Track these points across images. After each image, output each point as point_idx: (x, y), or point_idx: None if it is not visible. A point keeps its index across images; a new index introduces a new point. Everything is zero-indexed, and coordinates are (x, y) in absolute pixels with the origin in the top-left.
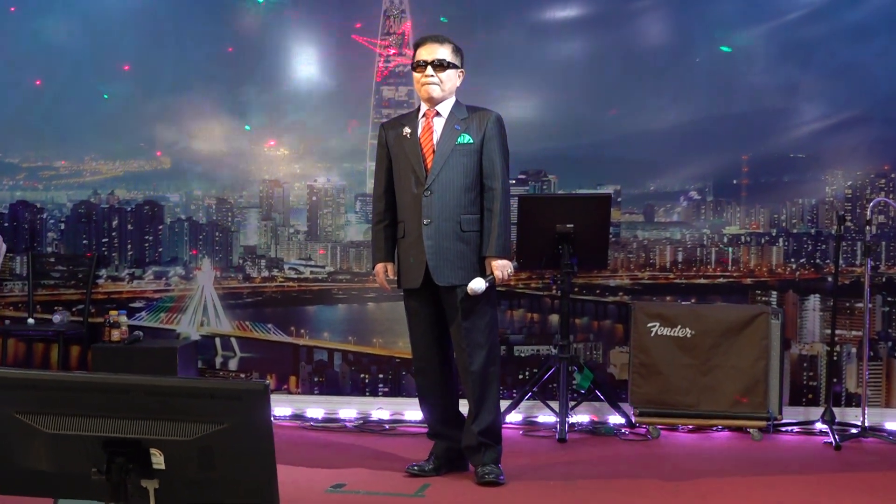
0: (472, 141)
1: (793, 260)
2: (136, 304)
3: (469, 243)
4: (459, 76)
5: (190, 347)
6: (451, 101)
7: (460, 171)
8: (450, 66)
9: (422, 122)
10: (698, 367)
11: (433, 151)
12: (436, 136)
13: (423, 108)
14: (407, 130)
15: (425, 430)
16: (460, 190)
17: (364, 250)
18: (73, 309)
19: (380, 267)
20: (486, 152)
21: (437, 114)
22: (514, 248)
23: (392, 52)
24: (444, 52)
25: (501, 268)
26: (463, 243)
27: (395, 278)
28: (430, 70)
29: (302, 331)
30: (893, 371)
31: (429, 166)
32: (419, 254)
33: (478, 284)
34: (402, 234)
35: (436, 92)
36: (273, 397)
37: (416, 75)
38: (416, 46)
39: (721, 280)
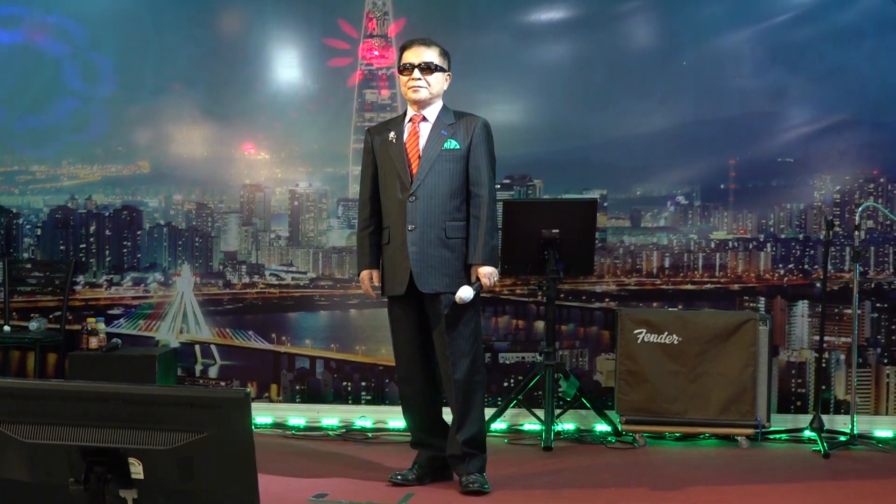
0: (458, 147)
1: (781, 265)
2: (115, 311)
3: (454, 250)
4: (447, 79)
5: (169, 355)
6: (438, 105)
7: (446, 176)
8: (437, 69)
9: (408, 127)
10: (685, 375)
11: (419, 157)
12: (422, 142)
13: (410, 112)
14: (392, 135)
15: (409, 438)
16: (446, 196)
17: (346, 256)
18: (50, 316)
19: (365, 274)
20: (472, 158)
21: (424, 119)
22: (499, 254)
23: (375, 53)
24: (431, 54)
25: (488, 275)
26: (448, 250)
27: (381, 285)
28: (416, 73)
29: (283, 338)
30: (882, 378)
31: (414, 171)
32: (403, 260)
33: (466, 293)
34: (386, 241)
35: (423, 94)
36: (254, 406)
37: (402, 78)
38: (403, 49)
39: (708, 286)
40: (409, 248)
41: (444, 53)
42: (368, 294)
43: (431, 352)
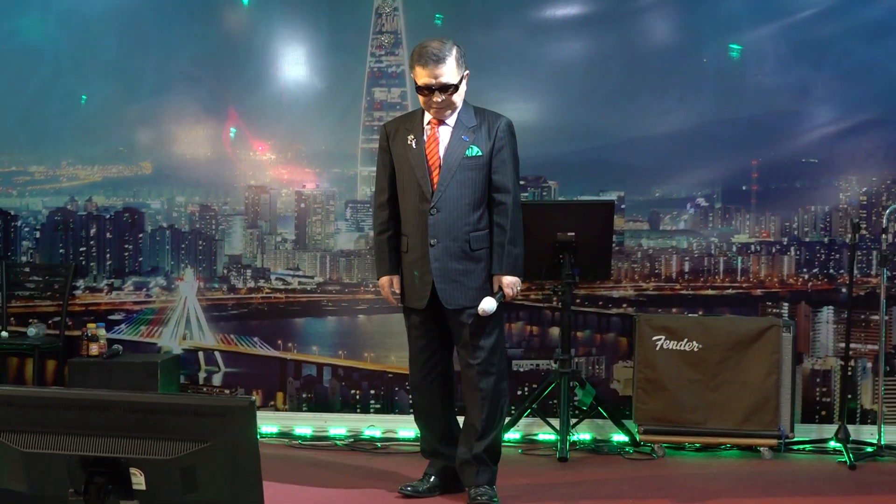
0: (480, 153)
1: (805, 270)
2: (116, 317)
3: (479, 261)
4: (465, 79)
5: (172, 362)
6: (459, 105)
7: (468, 186)
8: (459, 85)
9: (427, 130)
10: (706, 383)
11: (439, 165)
12: (441, 148)
13: (428, 115)
14: (411, 138)
15: (419, 448)
16: (468, 207)
17: (355, 259)
18: (49, 321)
19: (385, 280)
20: (495, 164)
21: (444, 122)
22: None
23: (384, 50)
24: (447, 71)
25: (511, 285)
26: (472, 262)
27: (401, 293)
28: (437, 96)
29: (290, 344)
30: None
31: (435, 181)
32: (424, 274)
33: (489, 304)
34: (405, 249)
35: (447, 113)
36: (259, 414)
37: (420, 97)
38: (415, 63)
39: (730, 291)
40: (432, 264)
41: (459, 58)
42: (389, 301)
43: (448, 360)
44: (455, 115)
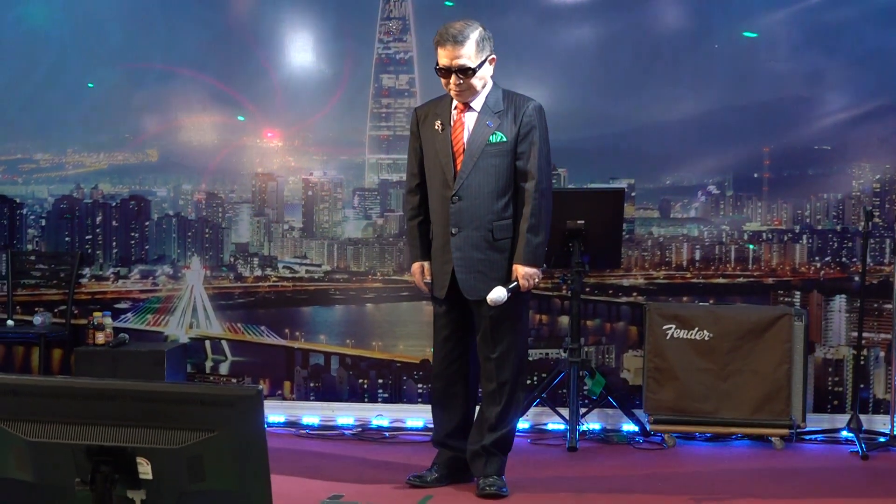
0: (504, 139)
1: (817, 258)
2: (122, 305)
3: (503, 251)
4: (491, 63)
5: (178, 351)
6: (486, 89)
7: (491, 174)
8: (477, 69)
9: (454, 115)
10: (717, 372)
11: (463, 152)
12: (466, 133)
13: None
14: (439, 123)
15: (427, 438)
16: (491, 195)
17: (362, 248)
18: (55, 310)
19: (416, 267)
20: (520, 150)
21: (470, 107)
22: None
23: (392, 36)
24: (466, 53)
25: (527, 277)
26: (496, 252)
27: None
28: (455, 79)
29: (297, 333)
30: None
31: (458, 168)
32: (445, 263)
33: (498, 294)
34: (431, 236)
35: (467, 97)
36: (266, 403)
37: (441, 79)
38: (436, 43)
39: (741, 280)
40: (453, 253)
41: (481, 41)
42: (420, 288)
43: (471, 350)
44: (482, 100)
